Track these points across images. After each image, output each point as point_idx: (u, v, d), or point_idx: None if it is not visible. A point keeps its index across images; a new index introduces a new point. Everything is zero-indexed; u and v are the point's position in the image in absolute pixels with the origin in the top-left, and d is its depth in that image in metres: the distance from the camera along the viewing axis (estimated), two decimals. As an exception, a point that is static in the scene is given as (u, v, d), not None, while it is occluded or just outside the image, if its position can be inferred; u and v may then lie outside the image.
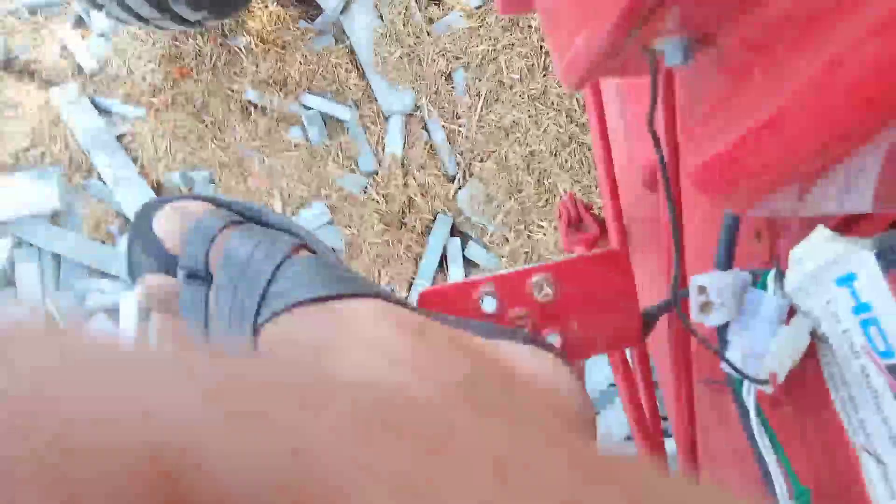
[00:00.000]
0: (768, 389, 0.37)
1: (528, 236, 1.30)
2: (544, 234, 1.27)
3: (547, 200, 1.29)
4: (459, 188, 1.36)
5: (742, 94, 0.22)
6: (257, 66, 1.42)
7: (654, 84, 0.24)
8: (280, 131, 1.39)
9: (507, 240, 1.31)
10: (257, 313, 0.31)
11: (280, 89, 1.41)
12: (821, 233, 0.34)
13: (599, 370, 1.10)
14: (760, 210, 0.34)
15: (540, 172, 1.32)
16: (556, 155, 1.32)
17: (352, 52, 1.44)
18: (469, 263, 1.34)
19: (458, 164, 1.37)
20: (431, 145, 1.39)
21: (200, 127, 1.39)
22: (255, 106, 1.41)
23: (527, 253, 1.29)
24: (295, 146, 1.39)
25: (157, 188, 1.39)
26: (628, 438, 1.16)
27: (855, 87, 0.19)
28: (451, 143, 1.38)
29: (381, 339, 0.30)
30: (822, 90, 0.20)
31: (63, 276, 1.38)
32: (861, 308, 0.34)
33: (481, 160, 1.36)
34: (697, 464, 0.47)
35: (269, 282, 0.32)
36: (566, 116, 1.32)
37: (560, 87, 1.36)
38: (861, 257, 0.32)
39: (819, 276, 0.35)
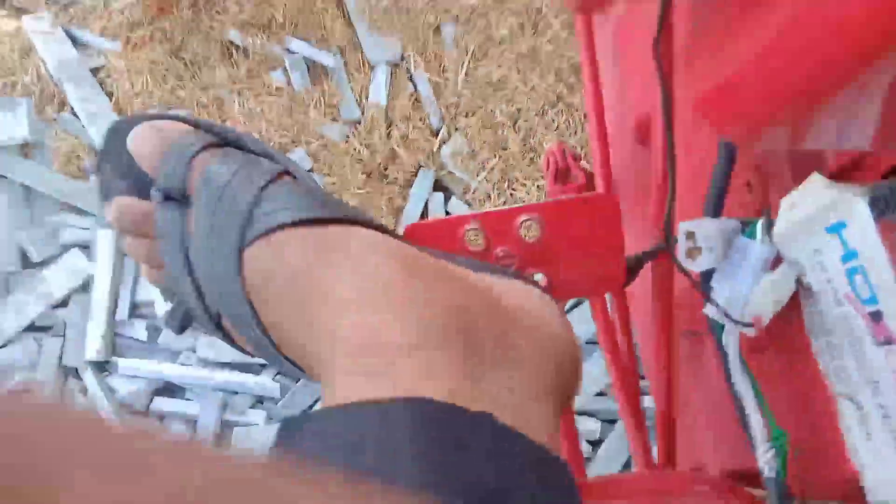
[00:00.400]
0: (752, 332, 0.37)
1: (511, 194, 1.29)
2: (527, 193, 1.27)
3: (532, 159, 1.28)
4: (443, 142, 1.34)
5: (741, 25, 0.21)
6: (241, 6, 1.37)
7: (662, 12, 0.24)
8: (262, 74, 1.36)
9: (489, 197, 1.30)
10: (242, 235, 0.30)
11: (263, 31, 1.37)
12: (816, 180, 0.35)
13: (579, 325, 1.11)
14: (763, 141, 0.34)
15: (526, 131, 1.31)
16: (542, 114, 1.31)
17: (339, -4, 1.40)
18: (449, 219, 1.34)
19: (443, 118, 1.35)
20: (416, 97, 1.36)
21: (179, 65, 1.35)
22: (237, 47, 1.37)
23: (508, 211, 1.29)
24: (276, 90, 1.35)
25: (133, 126, 1.36)
26: (599, 394, 1.18)
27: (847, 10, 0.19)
28: (436, 97, 1.36)
29: (372, 268, 0.30)
30: (817, 12, 0.20)
31: (35, 211, 1.35)
32: (848, 256, 0.34)
33: (466, 115, 1.35)
34: (673, 413, 0.48)
35: (253, 204, 0.31)
36: (555, 75, 1.31)
37: (550, 45, 1.34)
38: (854, 204, 0.33)
39: (810, 223, 0.35)
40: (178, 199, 0.34)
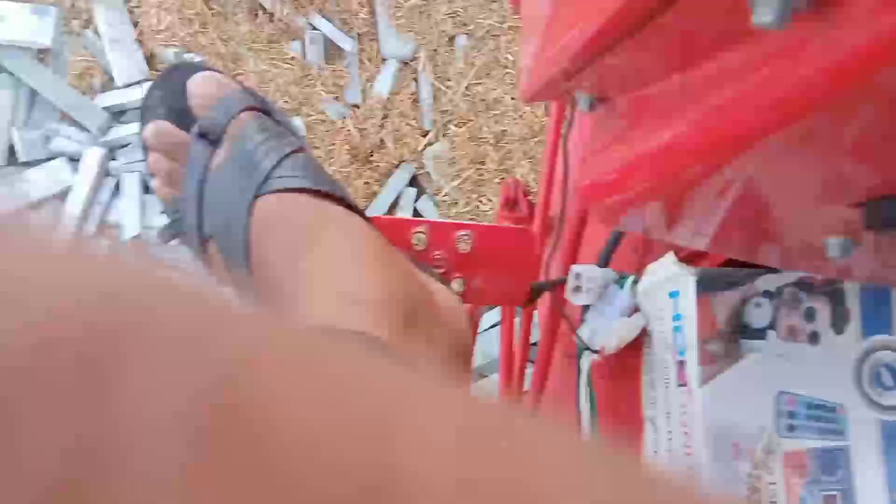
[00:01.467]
0: (597, 357, 0.49)
1: (477, 206, 1.41)
2: (491, 209, 1.38)
3: (503, 178, 1.40)
4: (429, 144, 1.45)
5: (616, 143, 0.33)
6: (277, -28, 1.46)
7: (571, 117, 0.35)
8: (281, 41, 1.45)
9: (456, 203, 1.42)
10: (260, 186, 0.40)
11: (293, 1, 1.46)
12: (669, 256, 0.46)
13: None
14: (628, 226, 0.46)
15: (505, 152, 1.43)
16: (524, 141, 1.43)
17: (369, -13, 1.49)
18: (417, 215, 1.44)
19: (435, 121, 1.46)
20: (416, 97, 1.47)
21: (207, 13, 1.43)
22: (265, 10, 1.46)
23: (471, 219, 1.39)
24: (291, 59, 1.45)
25: (150, 59, 1.43)
26: None
27: (680, 152, 0.30)
28: (434, 101, 1.47)
29: (357, 243, 0.40)
30: (660, 150, 0.31)
31: (35, 114, 1.42)
32: (677, 317, 0.46)
33: (457, 125, 1.45)
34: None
35: (276, 166, 0.40)
36: (544, 109, 1.42)
37: (547, 81, 1.45)
38: (686, 280, 0.44)
39: (659, 287, 0.47)
40: (213, 140, 0.43)
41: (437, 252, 0.51)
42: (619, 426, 0.51)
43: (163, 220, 0.46)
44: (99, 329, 0.08)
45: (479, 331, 1.30)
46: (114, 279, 0.09)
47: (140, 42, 1.42)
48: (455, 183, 1.42)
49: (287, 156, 0.42)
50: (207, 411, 0.08)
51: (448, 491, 0.09)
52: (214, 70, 0.46)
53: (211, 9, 1.43)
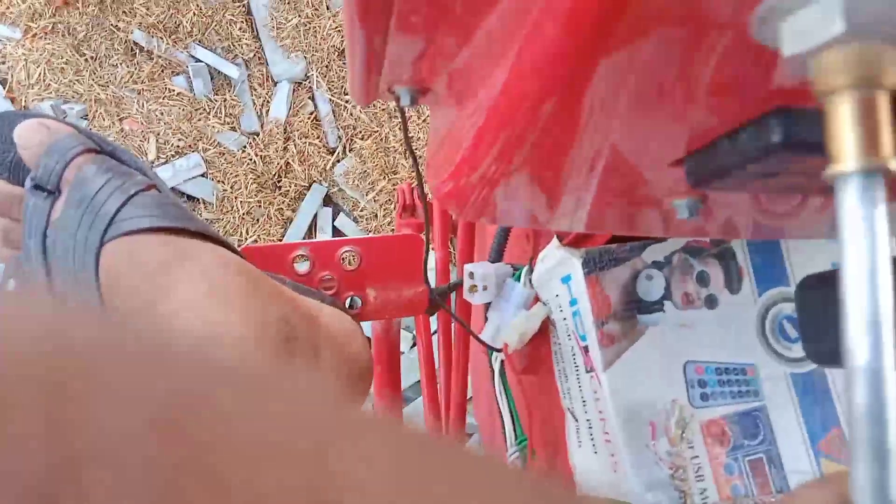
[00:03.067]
0: (501, 356, 0.47)
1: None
2: (408, 216, 1.36)
3: (399, 184, 1.38)
4: (338, 161, 1.41)
5: (447, 133, 0.30)
6: (148, 8, 1.40)
7: (402, 116, 0.32)
8: (164, 78, 1.39)
9: (375, 216, 1.38)
10: (105, 232, 0.36)
11: (170, 36, 1.40)
12: (554, 241, 0.44)
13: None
14: (506, 220, 0.44)
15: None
16: (431, 143, 1.41)
17: (248, 12, 1.45)
18: (338, 234, 1.40)
19: (340, 137, 1.42)
20: (316, 116, 1.43)
21: (80, 60, 1.36)
22: (142, 48, 1.40)
23: (393, 230, 1.37)
24: (178, 95, 1.39)
25: (25, 115, 1.35)
26: None
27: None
28: (335, 117, 1.43)
29: (217, 277, 0.37)
30: (489, 110, 0.29)
31: None
32: (573, 301, 0.44)
33: (362, 138, 1.42)
34: (464, 416, 0.57)
35: (121, 208, 0.36)
36: (445, 109, 1.41)
37: (445, 80, 1.44)
38: (573, 263, 0.43)
39: (551, 273, 0.45)
40: (50, 190, 0.39)
41: (323, 273, 0.48)
42: (542, 419, 0.49)
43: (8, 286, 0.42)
44: (58, 366, 0.09)
45: (403, 352, 1.27)
46: (69, 323, 0.10)
47: (12, 99, 1.34)
48: (370, 196, 1.39)
49: (133, 195, 0.39)
50: (159, 437, 0.09)
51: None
52: (41, 115, 0.42)
53: (83, 55, 1.35)
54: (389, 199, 1.39)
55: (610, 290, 0.42)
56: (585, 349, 0.43)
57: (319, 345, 0.40)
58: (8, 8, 1.35)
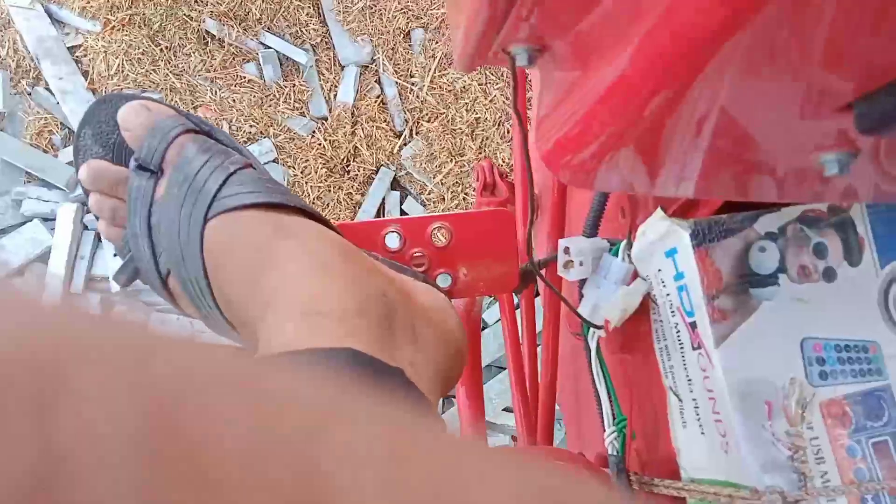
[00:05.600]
0: (602, 333, 0.45)
1: (464, 198, 1.37)
2: (477, 198, 1.35)
3: (479, 162, 1.37)
4: (404, 144, 1.41)
5: (567, 95, 0.29)
6: (219, -3, 1.43)
7: (514, 76, 0.31)
8: (235, 66, 1.41)
9: (443, 199, 1.38)
10: (208, 209, 0.37)
11: (240, 24, 1.43)
12: (658, 213, 0.43)
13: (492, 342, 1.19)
14: (606, 185, 0.42)
15: (482, 139, 1.39)
16: (499, 125, 1.39)
17: (315, -4, 1.46)
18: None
19: (406, 120, 1.42)
20: (382, 99, 1.43)
21: (155, 50, 1.40)
22: (213, 37, 1.42)
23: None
24: (248, 82, 1.41)
25: (106, 106, 1.40)
26: (506, 409, 1.26)
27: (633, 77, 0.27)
28: (401, 100, 1.43)
29: (319, 252, 0.37)
30: (612, 86, 0.27)
31: (0, 181, 1.38)
32: (679, 276, 0.42)
33: (429, 120, 1.42)
34: (551, 401, 0.56)
35: (222, 185, 0.37)
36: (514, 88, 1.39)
37: (511, 60, 1.42)
38: (680, 235, 0.41)
39: (654, 247, 0.43)
40: (152, 170, 0.41)
41: (414, 250, 0.48)
42: (641, 400, 0.47)
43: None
44: (42, 364, 0.09)
45: (487, 325, 1.26)
46: (53, 321, 0.10)
47: (93, 90, 1.39)
48: (438, 179, 1.39)
49: (233, 174, 0.39)
50: (149, 432, 0.09)
51: (374, 498, 0.10)
52: (143, 97, 0.43)
53: (157, 45, 1.39)
54: (457, 182, 1.38)
55: (721, 263, 0.40)
56: (692, 325, 0.41)
57: (416, 321, 0.40)
58: (89, 2, 1.40)
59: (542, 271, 0.54)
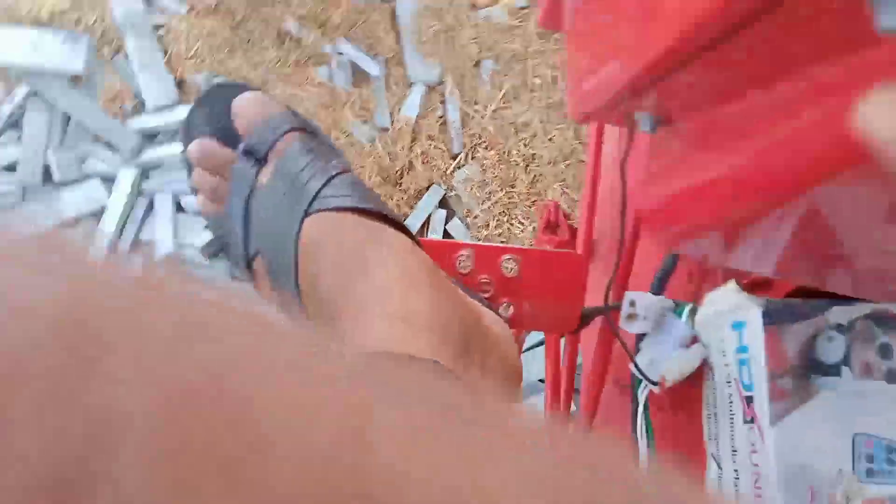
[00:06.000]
0: (657, 389, 0.47)
1: (508, 228, 1.39)
2: (522, 231, 1.36)
3: (534, 201, 1.38)
4: (459, 167, 1.44)
5: (680, 168, 0.31)
6: (303, 0, 1.47)
7: (629, 139, 0.33)
8: (308, 67, 1.45)
9: (487, 225, 1.40)
10: (310, 205, 0.39)
11: (319, 27, 1.47)
12: (731, 285, 0.44)
13: (536, 363, 1.20)
14: (688, 250, 0.43)
15: (536, 175, 1.41)
16: (554, 164, 1.41)
17: (394, 14, 1.50)
18: (447, 237, 1.43)
19: (465, 144, 1.45)
20: (444, 121, 1.46)
21: (235, 40, 1.45)
22: (291, 37, 1.47)
23: (502, 242, 1.38)
24: (318, 84, 1.45)
25: (180, 84, 1.45)
26: None
27: (752, 182, 0.28)
28: (463, 125, 1.46)
29: (409, 266, 0.39)
30: (729, 179, 0.29)
31: (69, 138, 1.43)
32: (742, 349, 0.43)
33: (486, 148, 1.44)
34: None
35: (324, 185, 0.39)
36: (573, 132, 1.41)
37: (575, 102, 1.44)
38: (752, 311, 0.42)
39: (721, 317, 0.45)
40: (258, 158, 0.43)
41: (482, 276, 0.49)
42: (679, 461, 0.48)
43: (198, 237, 0.45)
44: (84, 330, 0.08)
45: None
46: (99, 286, 0.10)
47: (169, 67, 1.43)
48: (485, 205, 1.41)
49: (334, 176, 0.41)
50: (191, 407, 0.08)
51: (425, 492, 0.10)
52: (258, 90, 0.46)
53: (238, 35, 1.44)
54: (503, 211, 1.40)
55: (788, 345, 0.41)
56: (748, 399, 0.43)
57: (485, 348, 0.42)
58: (180, -16, 1.45)
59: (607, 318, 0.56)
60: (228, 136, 0.44)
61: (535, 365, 1.14)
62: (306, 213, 0.40)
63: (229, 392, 0.09)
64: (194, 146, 0.44)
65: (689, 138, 0.31)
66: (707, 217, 0.31)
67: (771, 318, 0.42)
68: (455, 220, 1.42)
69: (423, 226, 1.41)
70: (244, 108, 0.43)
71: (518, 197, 1.39)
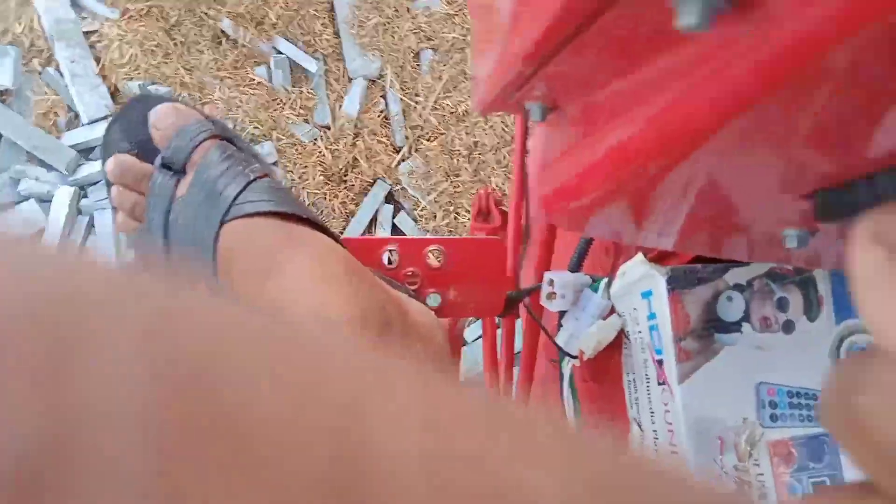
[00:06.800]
0: (576, 362, 0.49)
1: (455, 217, 1.41)
2: (468, 220, 1.38)
3: (478, 189, 1.40)
4: (403, 160, 1.45)
5: (570, 150, 0.33)
6: (238, -1, 1.46)
7: (524, 130, 0.35)
8: (246, 67, 1.45)
9: (435, 216, 1.41)
10: (227, 212, 0.39)
11: (256, 26, 1.46)
12: (638, 257, 0.46)
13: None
14: (593, 232, 0.46)
15: (478, 163, 1.43)
16: (496, 151, 1.43)
17: (332, 9, 1.50)
18: (396, 231, 1.44)
19: (407, 137, 1.46)
20: (386, 115, 1.47)
21: (169, 43, 1.43)
22: (227, 37, 1.46)
23: (450, 231, 1.40)
24: (257, 84, 1.44)
25: (114, 94, 1.42)
26: None
27: (634, 151, 0.30)
28: (404, 117, 1.47)
29: (326, 263, 0.40)
30: (615, 150, 0.31)
31: (1, 157, 1.40)
32: (651, 316, 0.46)
33: (429, 139, 1.46)
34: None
35: (241, 191, 0.40)
36: (511, 117, 1.43)
37: (514, 89, 1.46)
38: (657, 279, 0.45)
39: (631, 288, 0.47)
40: (176, 170, 0.43)
41: (409, 269, 0.51)
42: (605, 427, 0.51)
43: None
44: (63, 318, 0.08)
45: (467, 342, 1.30)
46: (79, 277, 0.09)
47: (103, 76, 1.41)
48: (431, 197, 1.42)
49: (252, 181, 0.42)
50: (177, 396, 0.08)
51: (415, 470, 0.10)
52: (174, 100, 0.46)
53: (172, 39, 1.42)
54: (450, 201, 1.42)
55: (690, 308, 0.44)
56: (660, 362, 0.45)
57: (410, 335, 0.43)
58: (108, -10, 1.42)
59: (527, 299, 0.58)
60: (147, 150, 0.44)
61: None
62: (222, 222, 0.40)
63: (213, 381, 0.09)
64: (111, 162, 0.44)
65: (575, 121, 0.33)
66: (599, 192, 0.33)
67: (674, 285, 0.44)
68: (402, 214, 1.43)
69: (371, 222, 1.42)
70: (160, 119, 0.43)
71: (463, 186, 1.41)
